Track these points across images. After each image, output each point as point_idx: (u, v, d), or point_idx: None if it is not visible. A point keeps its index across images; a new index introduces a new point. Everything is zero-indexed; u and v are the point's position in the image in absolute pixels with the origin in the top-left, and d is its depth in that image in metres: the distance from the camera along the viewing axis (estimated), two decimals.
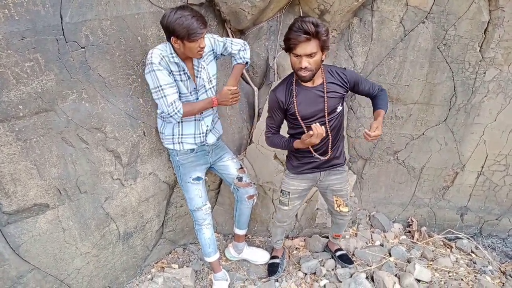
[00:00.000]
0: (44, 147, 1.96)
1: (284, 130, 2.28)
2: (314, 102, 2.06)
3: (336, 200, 2.44)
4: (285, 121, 2.25)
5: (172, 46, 2.06)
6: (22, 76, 1.78)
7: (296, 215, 3.16)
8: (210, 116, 2.38)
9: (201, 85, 2.24)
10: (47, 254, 2.17)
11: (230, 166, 2.60)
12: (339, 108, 2.11)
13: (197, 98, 2.24)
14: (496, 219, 3.43)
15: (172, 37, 1.94)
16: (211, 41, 2.24)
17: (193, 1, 2.42)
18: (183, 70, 2.11)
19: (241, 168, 2.65)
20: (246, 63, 2.37)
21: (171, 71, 2.07)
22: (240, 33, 2.91)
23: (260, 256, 2.97)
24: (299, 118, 2.07)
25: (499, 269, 3.06)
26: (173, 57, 2.06)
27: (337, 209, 2.44)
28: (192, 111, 2.18)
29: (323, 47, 1.87)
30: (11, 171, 1.87)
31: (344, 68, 2.17)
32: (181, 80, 2.13)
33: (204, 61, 2.22)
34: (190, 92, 2.20)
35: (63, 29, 1.85)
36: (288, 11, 2.89)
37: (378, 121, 2.02)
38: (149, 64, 1.99)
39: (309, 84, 2.04)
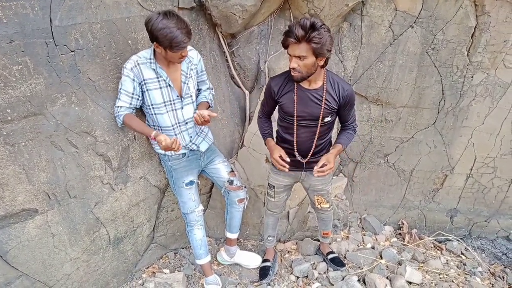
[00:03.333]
0: (33, 152, 1.94)
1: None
2: (307, 104, 2.05)
3: (318, 199, 2.53)
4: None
5: (154, 50, 2.06)
6: (10, 80, 1.76)
7: (288, 218, 3.16)
8: (192, 128, 2.35)
9: (187, 94, 2.24)
10: (35, 260, 2.13)
11: (221, 169, 2.59)
12: (327, 119, 2.10)
13: (182, 108, 2.24)
14: (485, 221, 3.47)
15: (154, 42, 1.94)
16: (199, 57, 2.28)
17: (184, 5, 2.43)
18: (161, 77, 2.11)
19: (232, 171, 2.65)
20: (209, 106, 2.43)
21: (144, 79, 2.08)
22: (231, 37, 2.92)
23: (252, 260, 2.96)
24: (295, 113, 2.08)
25: (489, 270, 3.10)
26: (151, 63, 2.06)
27: (319, 206, 2.55)
28: (131, 127, 2.16)
29: (316, 53, 1.82)
30: None
31: (350, 84, 2.12)
32: (160, 88, 2.13)
33: (192, 70, 2.23)
34: (172, 101, 2.19)
35: (52, 33, 1.84)
36: (279, 16, 2.91)
37: (331, 154, 2.07)
38: (123, 68, 2.06)
39: (305, 85, 2.02)
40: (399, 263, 2.90)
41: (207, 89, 2.45)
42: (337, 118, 2.23)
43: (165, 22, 1.84)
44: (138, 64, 2.05)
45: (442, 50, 2.81)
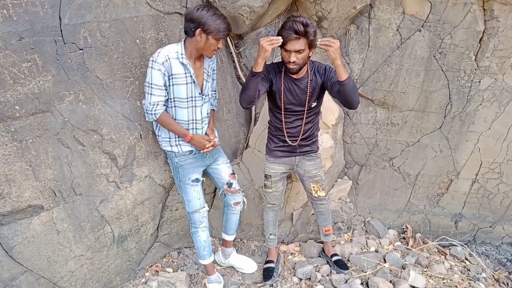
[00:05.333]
0: (40, 148, 1.95)
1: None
2: (295, 93, 2.26)
3: (314, 186, 2.64)
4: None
5: (184, 44, 2.09)
6: (19, 77, 1.77)
7: (292, 219, 3.16)
8: (201, 129, 2.37)
9: (207, 92, 2.28)
10: (40, 256, 2.15)
11: (222, 170, 2.59)
12: (314, 104, 2.32)
13: (202, 105, 2.27)
14: (490, 227, 3.45)
15: (198, 29, 1.97)
16: (214, 59, 2.35)
17: (192, 5, 2.43)
18: (189, 73, 2.13)
19: (233, 173, 2.64)
20: (213, 109, 2.52)
21: (172, 74, 2.09)
22: (238, 38, 2.93)
23: (247, 265, 2.94)
24: (282, 103, 2.28)
25: (493, 276, 3.08)
26: (182, 58, 2.09)
27: (316, 195, 2.65)
28: (166, 125, 2.25)
29: (311, 45, 2.07)
30: (6, 171, 1.86)
31: (329, 65, 2.29)
32: (186, 83, 2.15)
33: (211, 68, 2.29)
34: (194, 97, 2.22)
35: (61, 31, 1.86)
36: (286, 17, 2.91)
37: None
38: (152, 61, 2.04)
39: (294, 76, 2.22)
40: (402, 267, 2.88)
41: (214, 91, 2.48)
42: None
43: (214, 10, 1.99)
44: (169, 58, 2.06)
45: (449, 54, 2.80)
